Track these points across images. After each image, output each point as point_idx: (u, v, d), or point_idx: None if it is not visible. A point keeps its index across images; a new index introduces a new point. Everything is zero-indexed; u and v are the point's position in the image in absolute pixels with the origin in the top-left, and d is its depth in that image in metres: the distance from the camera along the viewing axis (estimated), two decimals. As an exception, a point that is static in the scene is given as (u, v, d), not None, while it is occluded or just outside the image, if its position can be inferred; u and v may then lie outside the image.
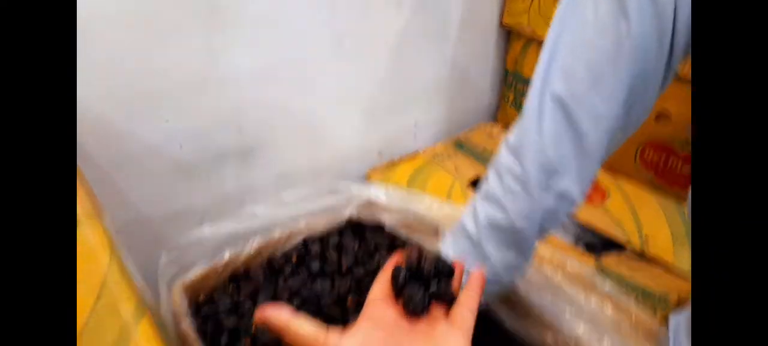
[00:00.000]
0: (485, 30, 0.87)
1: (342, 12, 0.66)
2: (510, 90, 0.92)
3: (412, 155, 0.85)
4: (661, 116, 0.69)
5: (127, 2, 0.49)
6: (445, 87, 0.87)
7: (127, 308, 0.27)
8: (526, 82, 0.87)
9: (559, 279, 0.53)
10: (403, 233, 0.64)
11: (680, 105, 0.66)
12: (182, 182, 0.62)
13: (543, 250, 0.61)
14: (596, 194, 0.74)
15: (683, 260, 0.61)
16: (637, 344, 0.46)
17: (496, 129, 0.93)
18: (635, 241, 0.64)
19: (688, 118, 0.67)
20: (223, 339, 0.51)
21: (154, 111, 0.57)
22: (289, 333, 0.29)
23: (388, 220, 0.65)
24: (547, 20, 0.79)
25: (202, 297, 0.58)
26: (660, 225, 0.67)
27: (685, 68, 0.63)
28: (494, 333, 0.54)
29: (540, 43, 0.82)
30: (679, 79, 0.63)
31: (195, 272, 0.58)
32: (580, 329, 0.46)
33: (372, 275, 0.58)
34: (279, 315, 0.29)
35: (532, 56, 0.85)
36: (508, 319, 0.51)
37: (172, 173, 0.61)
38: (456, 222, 0.44)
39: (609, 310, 0.50)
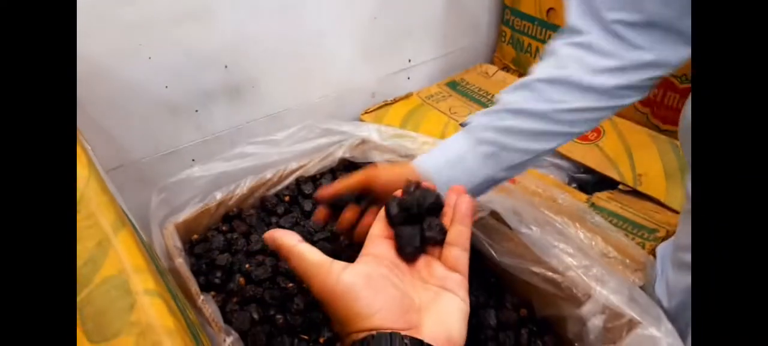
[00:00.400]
0: (482, -38, 0.83)
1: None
2: (507, 26, 0.89)
3: (406, 96, 0.83)
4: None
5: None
6: (439, 23, 0.84)
7: (106, 220, 0.26)
8: (525, 17, 0.84)
9: (550, 213, 0.53)
10: (395, 171, 0.64)
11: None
12: (170, 122, 0.61)
13: (535, 186, 0.61)
14: (591, 132, 0.73)
15: (675, 197, 0.61)
16: (625, 273, 0.47)
17: (492, 69, 0.90)
18: (629, 179, 0.64)
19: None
20: (217, 276, 0.52)
21: (136, 48, 0.55)
22: (295, 257, 0.29)
23: (379, 159, 0.64)
24: (546, -50, 0.75)
25: (195, 237, 0.58)
26: (653, 163, 0.66)
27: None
28: (484, 265, 0.55)
29: (538, -25, 0.79)
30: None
31: (187, 212, 0.58)
32: (569, 259, 0.47)
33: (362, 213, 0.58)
34: (288, 239, 0.29)
35: (530, -10, 0.82)
36: (497, 252, 0.51)
37: (159, 113, 0.60)
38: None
39: (598, 242, 0.51)
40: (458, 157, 0.41)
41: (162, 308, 0.23)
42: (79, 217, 0.26)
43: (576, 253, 0.48)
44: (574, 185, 0.70)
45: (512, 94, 0.40)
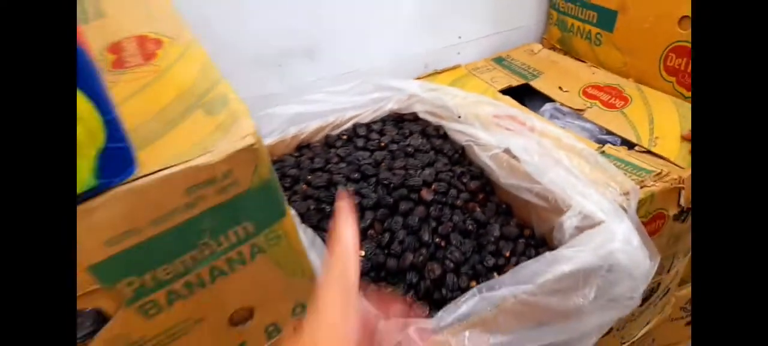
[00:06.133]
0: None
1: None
2: (554, 9, 0.98)
3: (454, 67, 0.96)
4: (684, 20, 0.73)
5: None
6: (488, 5, 0.96)
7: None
8: (568, 1, 0.93)
9: (555, 149, 0.63)
10: (431, 119, 0.77)
11: (701, 8, 0.70)
12: (261, 72, 0.81)
13: (552, 133, 0.70)
14: (619, 100, 0.80)
15: (684, 155, 0.66)
16: (609, 194, 0.56)
17: (537, 47, 0.99)
18: (645, 141, 0.70)
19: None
20: (287, 183, 0.69)
21: (239, 13, 0.74)
22: (337, 228, 0.29)
23: (420, 109, 0.78)
24: (585, -64, 0.84)
25: (274, 158, 0.76)
26: (672, 128, 0.72)
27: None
28: (495, 192, 0.66)
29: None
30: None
31: (269, 141, 0.77)
32: (560, 180, 0.57)
33: (402, 150, 0.72)
34: (343, 208, 0.30)
35: (573, -26, 0.90)
36: (503, 178, 0.62)
37: (254, 64, 0.79)
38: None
39: (591, 171, 0.60)
40: None
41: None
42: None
43: (567, 175, 0.57)
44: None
45: None
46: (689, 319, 0.92)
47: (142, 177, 0.27)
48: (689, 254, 0.78)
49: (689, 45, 0.73)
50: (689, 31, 0.73)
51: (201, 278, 0.32)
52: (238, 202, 0.30)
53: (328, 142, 0.78)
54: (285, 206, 0.34)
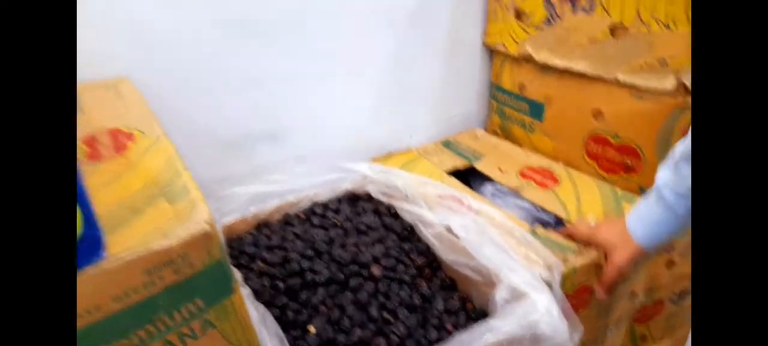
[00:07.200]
0: (471, 48, 1.07)
1: (351, 32, 0.89)
2: (494, 100, 1.10)
3: (406, 150, 1.04)
4: (597, 114, 0.85)
5: (204, 22, 0.75)
6: (437, 96, 1.07)
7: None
8: (505, 93, 1.05)
9: (492, 229, 0.70)
10: (383, 198, 0.83)
11: (610, 105, 0.82)
12: (227, 155, 0.86)
13: (488, 212, 0.78)
14: (550, 180, 0.90)
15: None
16: (536, 268, 0.62)
17: (480, 132, 1.10)
18: (574, 218, 0.79)
19: (617, 115, 0.82)
20: (243, 260, 0.73)
21: (213, 103, 0.81)
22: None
23: (373, 189, 0.85)
24: (515, 39, 0.97)
25: (233, 236, 0.80)
26: (596, 205, 0.81)
27: (616, 73, 0.79)
28: (439, 268, 0.72)
29: (513, 60, 1.01)
30: (608, 82, 0.79)
31: (230, 220, 0.81)
32: (494, 257, 0.63)
33: (354, 228, 0.78)
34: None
35: (508, 71, 1.03)
36: (445, 252, 0.68)
37: (221, 147, 0.85)
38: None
39: (521, 248, 0.67)
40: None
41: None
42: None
43: (499, 252, 0.64)
44: (536, 224, 0.85)
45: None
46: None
47: (108, 260, 0.31)
48: (625, 326, 0.84)
49: (604, 134, 0.85)
50: (602, 123, 0.84)
51: (154, 352, 0.35)
52: (192, 281, 0.34)
53: (286, 221, 0.83)
54: (234, 282, 0.38)
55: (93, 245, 0.31)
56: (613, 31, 0.78)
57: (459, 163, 0.98)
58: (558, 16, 0.86)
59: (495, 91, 1.09)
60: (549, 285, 0.58)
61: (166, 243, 0.33)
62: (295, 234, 0.78)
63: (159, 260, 0.33)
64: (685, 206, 0.57)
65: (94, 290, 0.31)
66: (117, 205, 0.37)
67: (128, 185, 0.40)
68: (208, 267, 0.35)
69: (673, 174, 0.58)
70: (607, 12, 0.78)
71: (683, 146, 0.56)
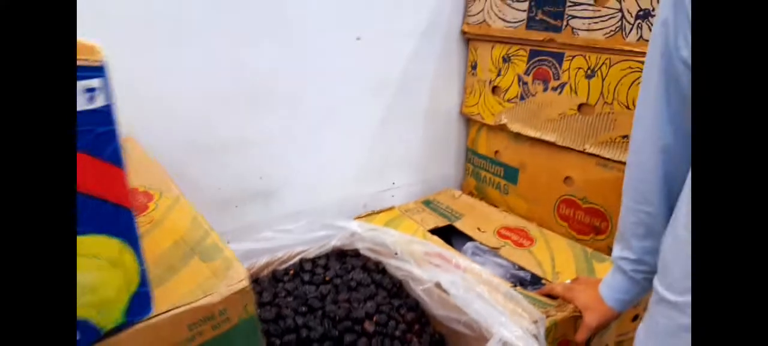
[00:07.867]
0: (449, 116, 1.15)
1: (342, 101, 0.96)
2: (470, 163, 1.18)
3: (389, 209, 1.09)
4: (568, 179, 0.93)
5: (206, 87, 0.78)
6: (417, 159, 1.14)
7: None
8: (480, 157, 1.13)
9: (479, 286, 0.74)
10: (371, 255, 0.87)
11: (579, 172, 0.91)
12: (219, 212, 0.88)
13: (474, 269, 0.83)
14: (526, 240, 0.96)
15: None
16: (522, 323, 0.67)
17: (457, 193, 1.17)
18: (549, 275, 0.85)
19: (586, 182, 0.90)
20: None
21: (206, 162, 0.83)
22: None
23: (361, 246, 0.88)
24: (491, 112, 1.07)
25: (223, 293, 0.80)
26: (568, 264, 0.88)
27: (584, 145, 0.88)
28: (429, 323, 0.75)
29: (489, 128, 1.10)
30: (577, 152, 0.88)
31: (220, 276, 0.81)
32: (484, 312, 0.67)
33: (345, 284, 0.80)
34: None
35: (483, 138, 1.12)
36: (434, 307, 0.72)
37: (212, 205, 0.87)
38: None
39: (508, 303, 0.71)
40: None
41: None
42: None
43: (488, 307, 0.68)
44: (513, 281, 0.91)
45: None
46: None
47: (156, 316, 0.33)
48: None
49: (574, 198, 0.93)
50: (572, 188, 0.93)
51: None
52: (228, 334, 0.37)
53: (276, 277, 0.84)
54: (261, 336, 0.41)
55: (144, 301, 0.33)
56: (581, 108, 0.88)
57: (440, 222, 1.03)
58: (531, 94, 0.96)
59: (471, 156, 1.17)
60: (536, 338, 0.63)
61: (209, 300, 0.35)
62: (287, 290, 0.79)
63: (201, 315, 0.35)
64: (642, 272, 0.63)
65: (142, 344, 0.33)
66: (153, 263, 0.39)
67: (158, 243, 0.42)
68: (244, 322, 0.37)
69: (623, 248, 0.64)
70: (575, 92, 0.88)
71: (628, 221, 0.64)
